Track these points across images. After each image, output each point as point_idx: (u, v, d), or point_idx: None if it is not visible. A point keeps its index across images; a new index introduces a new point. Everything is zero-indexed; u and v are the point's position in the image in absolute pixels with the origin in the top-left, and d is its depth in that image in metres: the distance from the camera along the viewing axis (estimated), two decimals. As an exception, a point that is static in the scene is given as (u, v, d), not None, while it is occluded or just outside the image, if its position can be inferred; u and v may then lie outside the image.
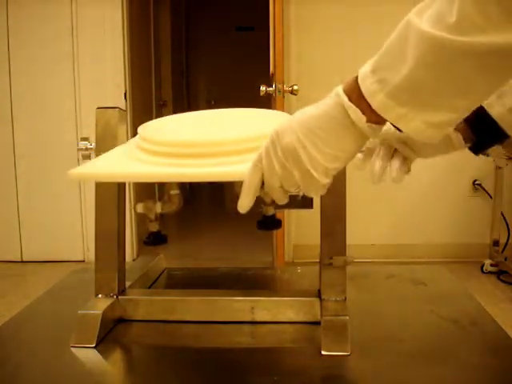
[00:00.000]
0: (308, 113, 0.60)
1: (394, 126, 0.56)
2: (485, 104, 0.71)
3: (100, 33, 3.38)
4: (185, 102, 6.30)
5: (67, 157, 3.25)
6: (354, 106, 0.57)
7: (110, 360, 0.79)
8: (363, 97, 0.56)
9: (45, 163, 3.46)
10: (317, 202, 0.86)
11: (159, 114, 4.77)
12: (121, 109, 0.89)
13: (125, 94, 3.44)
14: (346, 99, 0.57)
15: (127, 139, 0.92)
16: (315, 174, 0.59)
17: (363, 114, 0.56)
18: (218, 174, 0.73)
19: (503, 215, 3.26)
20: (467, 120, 0.72)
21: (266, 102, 2.98)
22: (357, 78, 0.57)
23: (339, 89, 0.58)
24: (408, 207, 3.49)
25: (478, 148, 0.76)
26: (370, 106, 0.56)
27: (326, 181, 0.61)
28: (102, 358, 0.78)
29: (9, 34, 3.38)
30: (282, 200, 0.65)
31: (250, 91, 3.89)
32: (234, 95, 6.26)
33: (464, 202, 3.47)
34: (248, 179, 0.63)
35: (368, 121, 0.57)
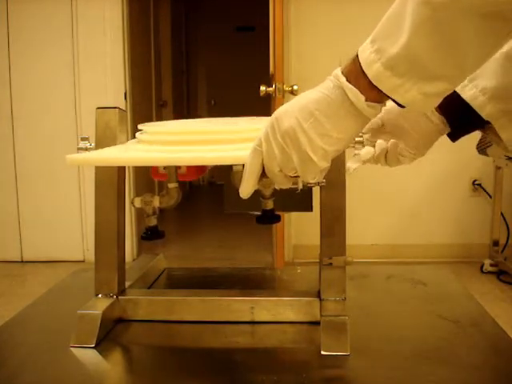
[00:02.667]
0: (307, 96, 0.60)
1: (390, 98, 0.56)
2: (457, 88, 0.71)
3: (100, 33, 3.38)
4: (185, 102, 6.31)
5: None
6: (352, 87, 0.56)
7: (110, 360, 0.78)
8: (361, 75, 0.56)
9: (45, 163, 3.46)
10: (317, 202, 0.86)
11: (159, 114, 4.77)
12: (121, 109, 0.89)
13: (125, 94, 3.44)
14: (344, 80, 0.57)
15: (127, 139, 0.92)
16: (314, 157, 0.59)
17: (362, 93, 0.56)
18: (218, 158, 0.73)
19: (503, 215, 3.26)
20: (441, 108, 0.73)
21: (266, 102, 2.98)
22: (355, 57, 0.57)
23: (338, 70, 0.58)
24: (408, 207, 3.49)
25: (455, 135, 0.77)
26: (368, 83, 0.55)
27: (325, 165, 0.61)
28: (101, 358, 0.77)
29: (9, 34, 3.38)
30: (284, 184, 0.64)
31: (250, 91, 3.89)
32: (234, 95, 6.28)
33: (464, 202, 3.47)
34: (248, 164, 0.63)
35: (367, 100, 0.57)
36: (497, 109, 0.71)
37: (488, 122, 0.73)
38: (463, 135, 0.78)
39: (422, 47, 0.51)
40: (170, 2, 5.11)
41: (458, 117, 0.74)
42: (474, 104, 0.72)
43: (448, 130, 0.77)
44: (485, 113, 0.72)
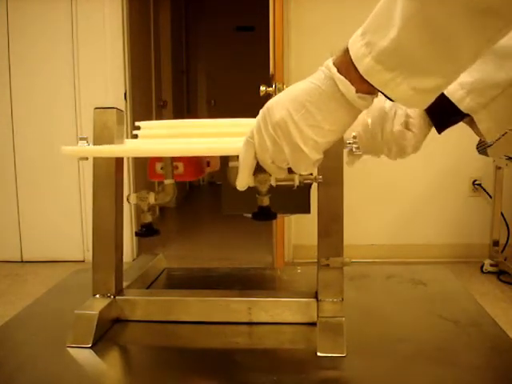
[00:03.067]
0: (299, 87, 0.59)
1: (381, 92, 0.56)
2: None
3: (100, 33, 3.38)
4: (185, 102, 6.30)
5: (67, 157, 3.24)
6: (342, 78, 0.56)
7: (107, 360, 0.78)
8: (352, 67, 0.55)
9: (45, 163, 3.46)
10: (314, 202, 0.86)
11: (159, 114, 4.77)
12: (118, 109, 0.89)
13: (125, 94, 3.44)
14: (335, 71, 0.56)
15: (126, 139, 0.92)
16: (305, 148, 0.59)
17: (352, 84, 0.56)
18: (213, 149, 0.74)
19: (503, 215, 3.25)
20: None
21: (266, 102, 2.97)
22: (346, 48, 0.56)
23: (329, 61, 0.58)
24: (408, 207, 3.49)
25: (439, 126, 0.76)
26: (359, 75, 0.55)
27: (316, 156, 0.60)
28: (98, 358, 0.77)
29: (9, 34, 3.38)
30: (278, 174, 0.64)
31: (250, 91, 3.89)
32: (234, 95, 6.28)
33: (464, 202, 3.46)
34: (242, 156, 0.63)
35: (358, 91, 0.56)
36: (475, 102, 0.71)
37: (469, 115, 0.73)
38: (447, 127, 0.77)
39: (412, 41, 0.51)
40: (170, 2, 5.11)
41: (440, 110, 0.74)
42: (453, 97, 0.72)
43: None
44: (463, 106, 0.72)
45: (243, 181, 0.64)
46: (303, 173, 0.63)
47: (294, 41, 3.34)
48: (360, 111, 0.59)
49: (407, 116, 0.77)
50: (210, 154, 0.74)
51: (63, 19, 3.37)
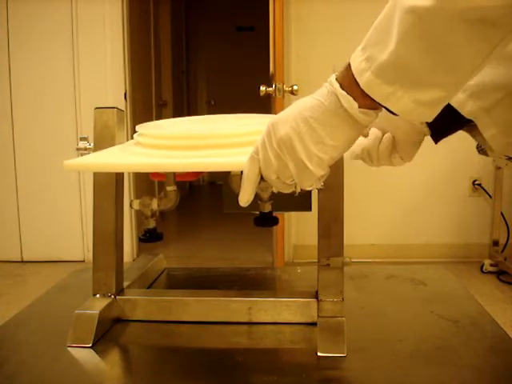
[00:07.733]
0: (303, 103, 0.59)
1: (383, 106, 0.55)
2: None
3: (100, 33, 3.37)
4: (185, 102, 6.31)
5: (67, 157, 3.23)
6: (345, 93, 0.56)
7: (107, 360, 0.78)
8: (354, 82, 0.55)
9: (45, 163, 3.46)
10: (315, 203, 0.86)
11: (159, 114, 4.77)
12: (119, 109, 0.89)
13: (125, 94, 3.44)
14: (337, 86, 0.56)
15: (126, 139, 0.92)
16: (310, 165, 0.58)
17: (355, 100, 0.55)
18: (217, 164, 0.73)
19: (503, 215, 3.26)
20: None
21: (266, 102, 2.97)
22: (349, 63, 0.56)
23: (332, 77, 0.58)
24: (408, 207, 3.49)
25: (437, 135, 0.74)
26: (361, 90, 0.55)
27: (321, 173, 0.60)
28: (98, 357, 0.77)
29: (9, 33, 3.38)
30: (282, 190, 0.64)
31: (250, 91, 3.89)
32: (234, 95, 6.28)
33: (464, 202, 3.46)
34: (246, 171, 0.62)
35: (360, 106, 0.56)
36: (478, 106, 0.69)
37: (471, 121, 0.72)
38: (445, 136, 0.76)
39: (411, 54, 0.51)
40: (170, 2, 5.11)
41: (439, 117, 0.73)
42: (454, 102, 0.70)
43: (429, 131, 0.75)
44: (466, 111, 0.70)
45: (247, 196, 0.63)
46: (308, 188, 0.62)
47: (294, 41, 3.34)
48: (364, 126, 0.58)
49: (393, 143, 0.76)
50: (214, 170, 0.73)
51: (63, 19, 3.37)
